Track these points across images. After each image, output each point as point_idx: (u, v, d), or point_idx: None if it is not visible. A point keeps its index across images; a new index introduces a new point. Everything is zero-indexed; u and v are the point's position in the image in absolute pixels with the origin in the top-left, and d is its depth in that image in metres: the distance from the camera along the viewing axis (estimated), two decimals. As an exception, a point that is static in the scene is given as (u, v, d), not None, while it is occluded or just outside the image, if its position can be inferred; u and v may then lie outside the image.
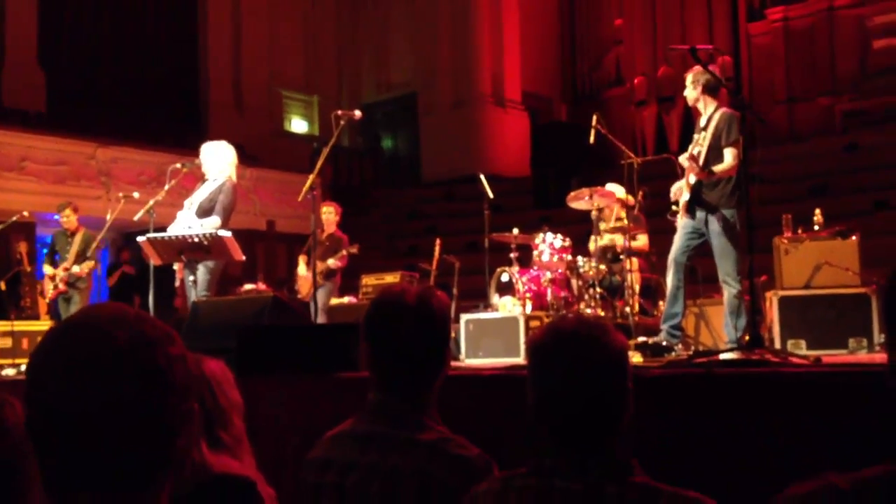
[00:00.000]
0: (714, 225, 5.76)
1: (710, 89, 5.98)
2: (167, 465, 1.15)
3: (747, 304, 5.42)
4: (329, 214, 9.66)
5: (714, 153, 5.79)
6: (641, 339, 6.05)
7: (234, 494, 2.16)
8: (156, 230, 6.78)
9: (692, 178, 5.83)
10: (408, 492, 2.01)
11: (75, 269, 8.54)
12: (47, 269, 8.81)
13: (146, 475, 1.13)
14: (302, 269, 9.63)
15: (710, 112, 5.95)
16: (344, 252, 9.24)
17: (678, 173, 6.22)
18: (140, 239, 6.64)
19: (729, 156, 5.73)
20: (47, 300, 8.92)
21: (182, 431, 1.15)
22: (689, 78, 6.05)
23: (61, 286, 8.65)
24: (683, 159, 5.90)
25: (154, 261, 6.73)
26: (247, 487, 2.18)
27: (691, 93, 6.04)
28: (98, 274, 10.98)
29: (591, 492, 1.75)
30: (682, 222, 5.98)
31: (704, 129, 5.94)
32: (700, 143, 5.91)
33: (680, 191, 5.99)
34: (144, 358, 1.11)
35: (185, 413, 1.15)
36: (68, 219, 8.83)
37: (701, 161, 5.79)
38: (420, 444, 2.06)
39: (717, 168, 5.73)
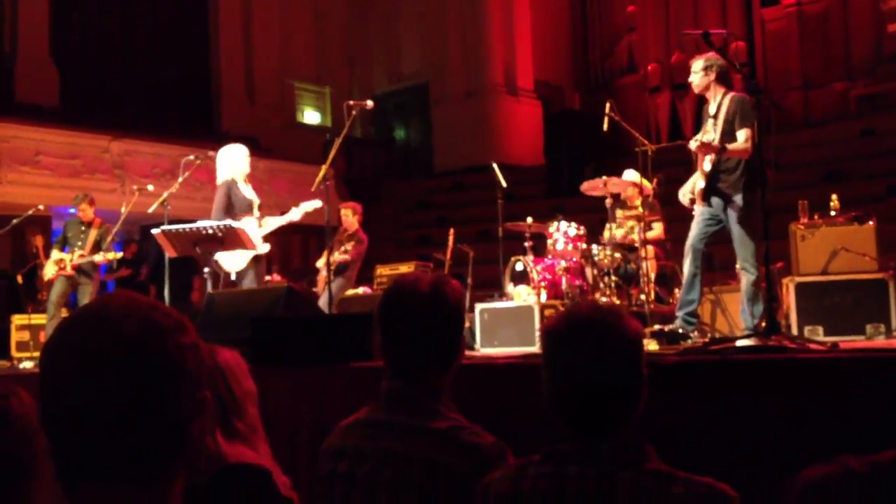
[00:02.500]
0: (732, 211, 5.69)
1: (722, 76, 5.89)
2: (180, 455, 1.15)
3: (763, 290, 5.39)
4: (347, 216, 9.49)
5: (727, 138, 5.67)
6: (657, 326, 6.01)
7: (250, 483, 2.17)
8: (170, 222, 6.80)
9: (707, 166, 5.76)
10: (421, 479, 2.01)
11: (97, 257, 8.55)
12: (55, 254, 8.81)
13: (159, 464, 1.13)
14: (321, 261, 9.62)
15: (719, 98, 5.84)
16: (348, 247, 9.16)
17: (692, 160, 6.17)
18: (155, 231, 6.67)
19: (742, 136, 5.62)
20: (46, 279, 8.90)
21: (194, 421, 1.15)
22: (701, 63, 5.87)
23: (69, 270, 8.65)
24: (693, 145, 5.79)
25: (169, 253, 6.76)
26: (262, 476, 2.18)
27: (702, 78, 5.86)
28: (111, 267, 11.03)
29: (605, 478, 1.74)
30: (698, 209, 5.92)
31: (714, 116, 5.85)
32: (709, 131, 5.83)
33: (694, 183, 5.91)
34: (155, 347, 1.11)
35: (197, 402, 1.15)
36: (84, 211, 8.86)
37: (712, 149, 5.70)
38: (433, 433, 2.06)
39: (731, 146, 5.62)
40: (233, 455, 2.22)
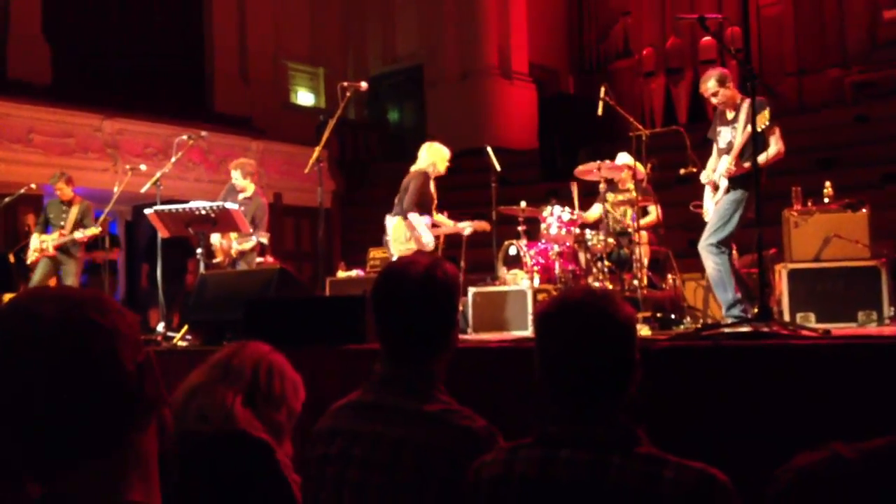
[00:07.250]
0: (726, 194, 5.68)
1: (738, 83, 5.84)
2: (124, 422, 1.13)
3: (744, 275, 5.37)
4: (238, 179, 7.96)
5: (753, 141, 5.58)
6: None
7: (252, 452, 2.18)
8: (163, 202, 6.79)
9: (728, 168, 5.65)
10: (412, 462, 2.01)
11: (77, 234, 8.47)
12: (35, 238, 8.75)
13: (109, 437, 1.12)
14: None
15: (738, 104, 5.79)
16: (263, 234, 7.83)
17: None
18: (147, 211, 6.65)
19: (773, 140, 5.62)
20: (28, 262, 8.83)
21: (136, 388, 1.13)
22: (713, 81, 5.78)
23: (51, 251, 8.59)
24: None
25: (162, 233, 6.75)
26: (264, 448, 2.19)
27: (724, 93, 5.78)
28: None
29: (596, 462, 1.75)
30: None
31: (733, 121, 5.80)
32: (725, 134, 5.78)
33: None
34: (73, 325, 1.10)
35: (129, 376, 1.13)
36: (62, 190, 8.78)
37: (735, 152, 5.66)
38: (425, 415, 2.06)
39: (771, 153, 5.58)
40: (243, 421, 2.24)
